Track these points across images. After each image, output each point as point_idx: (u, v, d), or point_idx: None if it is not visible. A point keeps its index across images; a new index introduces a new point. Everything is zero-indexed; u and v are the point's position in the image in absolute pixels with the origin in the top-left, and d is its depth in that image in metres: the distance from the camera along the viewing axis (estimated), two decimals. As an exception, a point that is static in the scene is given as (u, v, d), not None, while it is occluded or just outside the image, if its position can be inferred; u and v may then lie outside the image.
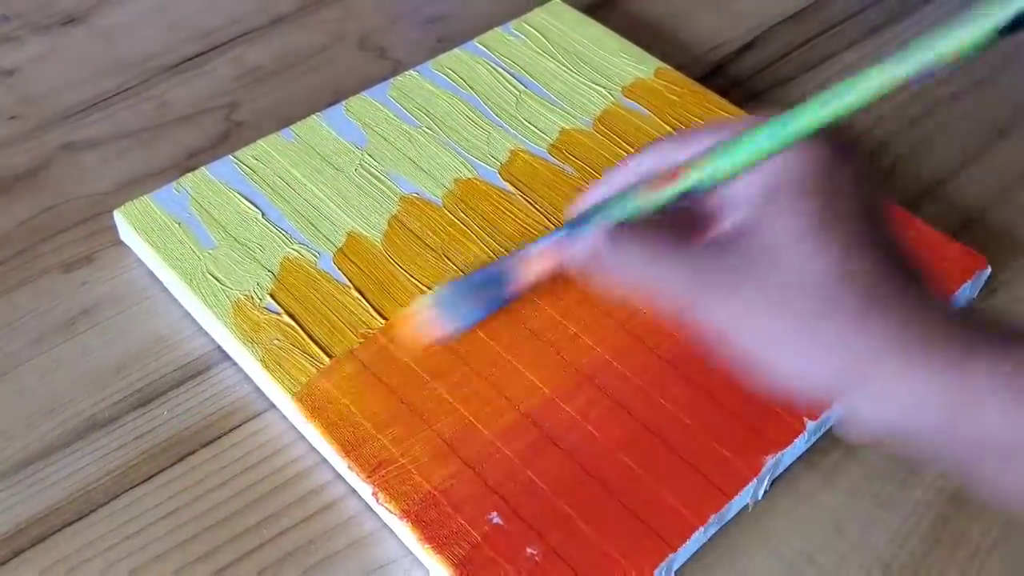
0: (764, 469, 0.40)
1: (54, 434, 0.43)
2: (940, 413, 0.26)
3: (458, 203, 0.50)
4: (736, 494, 0.39)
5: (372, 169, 0.52)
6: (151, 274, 0.49)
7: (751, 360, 0.28)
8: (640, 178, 0.31)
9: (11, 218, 0.52)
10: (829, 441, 0.43)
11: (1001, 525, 0.41)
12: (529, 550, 0.37)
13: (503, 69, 0.57)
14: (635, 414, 0.42)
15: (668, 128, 0.54)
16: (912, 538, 0.41)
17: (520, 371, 0.43)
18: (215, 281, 0.46)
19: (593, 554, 0.37)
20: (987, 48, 0.23)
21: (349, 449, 0.40)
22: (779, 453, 0.40)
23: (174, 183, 0.50)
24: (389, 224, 0.49)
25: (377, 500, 0.39)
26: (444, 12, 0.66)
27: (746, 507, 0.41)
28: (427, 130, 0.54)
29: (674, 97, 0.56)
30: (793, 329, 0.28)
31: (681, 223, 0.31)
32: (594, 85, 0.57)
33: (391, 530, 0.40)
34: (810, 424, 0.41)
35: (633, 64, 0.58)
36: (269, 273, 0.46)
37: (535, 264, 0.32)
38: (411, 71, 0.57)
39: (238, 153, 0.52)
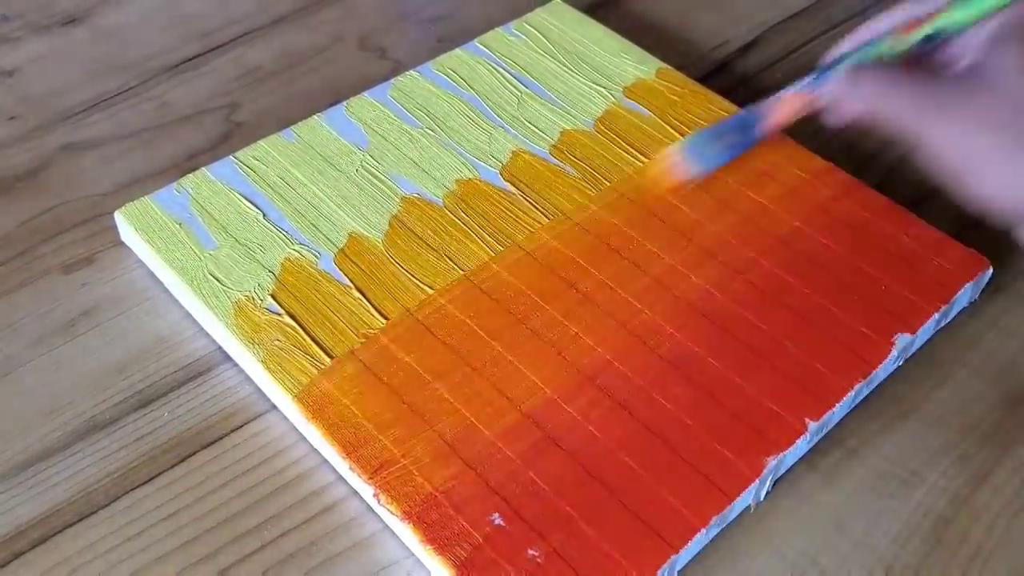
0: (766, 470, 0.40)
1: (54, 436, 0.43)
2: None
3: (459, 203, 0.50)
4: (738, 495, 0.39)
5: (373, 169, 0.51)
6: (152, 275, 0.49)
7: (967, 173, 0.35)
8: (884, 30, 0.38)
9: (11, 219, 0.52)
10: (831, 442, 0.43)
11: (1003, 526, 0.41)
12: (531, 551, 0.37)
13: (504, 69, 0.57)
14: (637, 415, 0.42)
15: (669, 128, 0.54)
16: (914, 539, 0.41)
17: (521, 371, 0.43)
18: (216, 282, 0.46)
19: (595, 555, 0.37)
20: None
21: (350, 450, 0.40)
22: (781, 454, 0.40)
23: (175, 184, 0.50)
24: (390, 224, 0.49)
25: (379, 501, 0.39)
26: (445, 12, 0.66)
27: (748, 508, 0.41)
28: (428, 130, 0.54)
29: (675, 97, 0.56)
30: (1011, 146, 0.34)
31: (920, 65, 0.38)
32: (595, 85, 0.57)
33: (392, 531, 0.40)
34: (812, 425, 0.41)
35: (634, 64, 0.58)
36: (270, 274, 0.46)
37: (785, 105, 0.39)
38: (412, 71, 0.57)
39: (239, 154, 0.52)
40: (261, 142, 0.53)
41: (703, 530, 0.38)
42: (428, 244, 0.48)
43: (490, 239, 0.48)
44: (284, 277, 0.46)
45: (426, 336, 0.44)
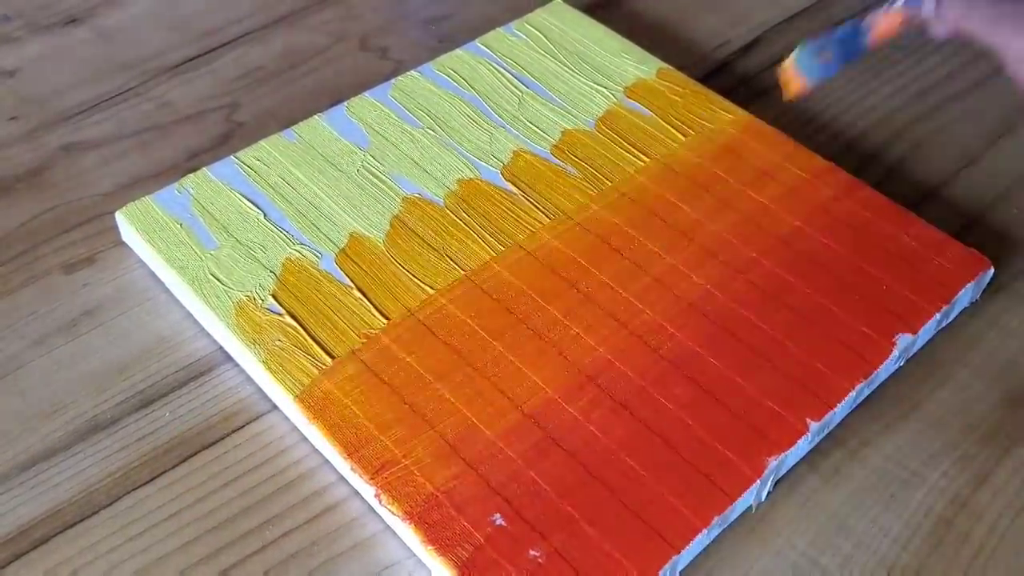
0: (767, 470, 0.40)
1: (56, 436, 0.43)
2: None
3: (460, 203, 0.50)
4: (739, 496, 0.39)
5: (374, 170, 0.51)
6: (153, 275, 0.49)
7: None
8: None
9: (12, 219, 0.52)
10: (832, 442, 0.43)
11: (1004, 526, 0.41)
12: (532, 552, 0.37)
13: (505, 69, 0.57)
14: (638, 415, 0.42)
15: (670, 128, 0.54)
16: (915, 539, 0.41)
17: (523, 371, 0.43)
18: (217, 282, 0.46)
19: (596, 556, 0.37)
20: None
21: (352, 450, 0.40)
22: (782, 454, 0.40)
23: (176, 184, 0.50)
24: (391, 224, 0.49)
25: (380, 502, 0.39)
26: (445, 12, 0.66)
27: (749, 508, 0.41)
28: (429, 130, 0.54)
29: (676, 97, 0.56)
30: None
31: None
32: (596, 85, 0.57)
33: (394, 532, 0.40)
34: (813, 425, 0.41)
35: (635, 64, 0.58)
36: (271, 274, 0.46)
37: (888, 19, 0.40)
38: (413, 71, 0.57)
39: (240, 154, 0.52)
40: (262, 142, 0.53)
41: (704, 530, 0.38)
42: (429, 244, 0.48)
43: (491, 239, 0.48)
44: (285, 277, 0.46)
45: (427, 336, 0.44)
